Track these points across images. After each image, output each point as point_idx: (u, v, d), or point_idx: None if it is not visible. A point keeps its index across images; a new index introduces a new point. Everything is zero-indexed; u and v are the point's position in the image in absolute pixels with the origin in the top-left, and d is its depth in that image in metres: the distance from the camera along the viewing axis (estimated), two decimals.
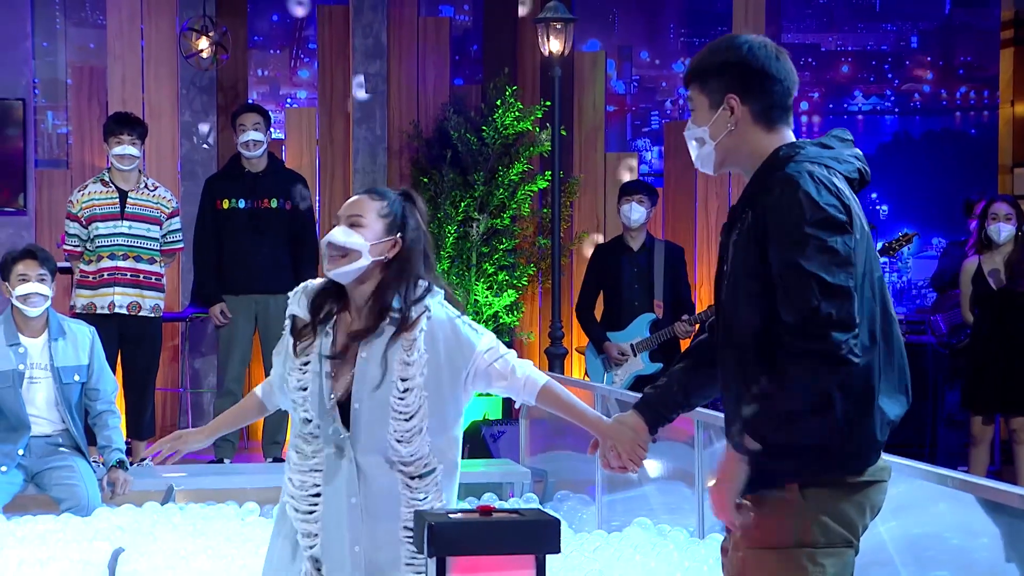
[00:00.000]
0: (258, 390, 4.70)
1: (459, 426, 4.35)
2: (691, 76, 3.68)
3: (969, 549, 5.02)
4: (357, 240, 4.24)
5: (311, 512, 4.29)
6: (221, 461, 9.42)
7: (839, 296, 3.37)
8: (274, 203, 9.47)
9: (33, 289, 7.55)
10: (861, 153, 3.70)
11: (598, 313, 9.83)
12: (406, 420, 4.19)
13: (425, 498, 4.22)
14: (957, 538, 5.10)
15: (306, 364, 4.32)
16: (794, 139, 3.63)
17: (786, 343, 3.38)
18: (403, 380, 4.19)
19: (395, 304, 4.24)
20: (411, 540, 4.15)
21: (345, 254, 4.24)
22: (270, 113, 9.78)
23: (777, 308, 3.43)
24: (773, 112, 3.61)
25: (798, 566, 3.47)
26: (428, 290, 4.29)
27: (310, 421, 4.28)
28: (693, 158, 3.74)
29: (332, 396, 4.25)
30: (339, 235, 4.24)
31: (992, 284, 8.95)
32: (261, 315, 9.46)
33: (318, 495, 4.28)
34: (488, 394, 6.92)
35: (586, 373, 9.98)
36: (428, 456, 4.23)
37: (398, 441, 4.19)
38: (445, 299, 4.33)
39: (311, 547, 4.29)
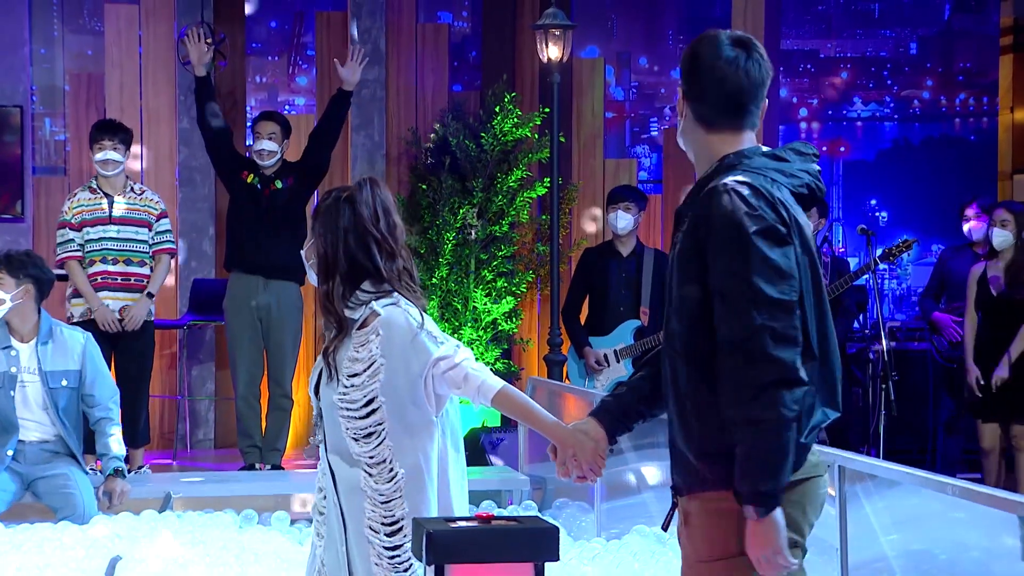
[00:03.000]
0: None
1: (430, 434, 4.35)
2: (682, 73, 3.69)
3: (969, 557, 5.01)
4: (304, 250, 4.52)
5: (322, 513, 4.43)
6: (253, 467, 9.40)
7: (782, 310, 3.37)
8: (279, 183, 9.44)
9: None
10: (817, 169, 3.67)
11: (583, 316, 9.84)
12: (356, 418, 4.29)
13: (388, 501, 4.26)
14: (957, 546, 5.09)
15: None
16: (746, 146, 3.60)
17: (730, 375, 3.38)
18: (348, 377, 4.29)
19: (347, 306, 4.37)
20: (379, 542, 4.24)
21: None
22: (289, 122, 9.74)
23: (714, 322, 3.43)
24: (715, 116, 3.59)
25: (744, 574, 3.48)
26: (385, 294, 4.35)
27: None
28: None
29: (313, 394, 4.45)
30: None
31: (992, 290, 8.96)
32: (264, 298, 9.39)
33: (326, 496, 4.42)
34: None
35: (566, 375, 9.98)
36: (391, 460, 4.28)
37: (354, 439, 4.29)
38: (409, 303, 4.36)
39: (320, 546, 4.42)
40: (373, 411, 4.26)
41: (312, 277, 4.43)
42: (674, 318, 3.56)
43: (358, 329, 4.31)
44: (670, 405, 3.62)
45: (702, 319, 3.47)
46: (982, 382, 8.86)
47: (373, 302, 4.32)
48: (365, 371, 4.27)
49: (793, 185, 3.55)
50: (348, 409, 4.28)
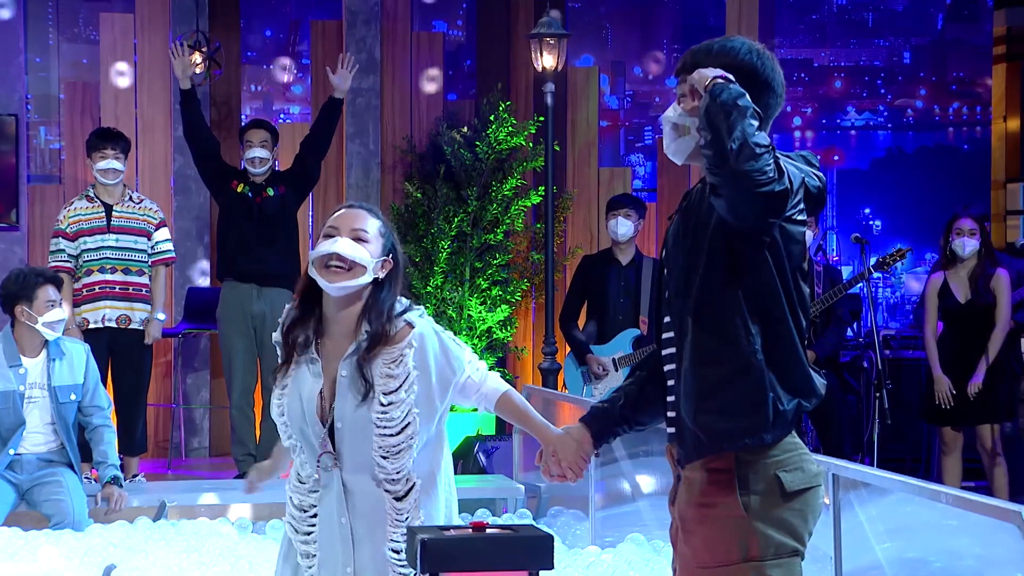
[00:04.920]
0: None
1: (440, 444, 4.32)
2: (696, 66, 3.63)
3: (963, 565, 5.01)
4: (364, 255, 4.17)
5: (309, 533, 4.29)
6: (246, 475, 9.38)
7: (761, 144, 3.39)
8: (270, 191, 9.45)
9: (60, 316, 7.72)
10: (824, 178, 3.71)
11: (581, 324, 9.84)
12: (391, 435, 4.14)
13: (407, 518, 4.17)
14: (951, 554, 5.08)
15: (283, 391, 4.29)
16: None
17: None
18: (385, 395, 4.13)
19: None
20: (398, 562, 4.14)
21: (351, 268, 4.16)
22: (277, 130, 9.79)
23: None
24: (764, 125, 3.58)
25: None
26: (409, 308, 4.26)
27: (296, 446, 4.28)
28: (666, 143, 3.72)
29: (319, 419, 4.21)
30: (348, 248, 4.15)
31: (959, 299, 9.06)
32: (258, 306, 9.39)
33: (316, 515, 4.26)
34: (475, 409, 6.89)
35: (564, 384, 9.97)
36: (410, 472, 4.19)
37: (383, 457, 4.15)
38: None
39: (309, 567, 4.29)
40: (406, 425, 4.15)
41: (354, 283, 4.16)
42: (695, 280, 3.59)
43: (388, 344, 4.17)
44: (679, 385, 3.63)
45: (723, 270, 3.53)
46: (954, 392, 8.96)
47: (407, 313, 4.22)
48: (401, 386, 4.14)
49: (810, 183, 3.59)
50: (386, 427, 4.13)
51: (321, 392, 4.21)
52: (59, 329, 7.71)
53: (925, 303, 9.26)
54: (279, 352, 4.38)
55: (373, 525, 4.19)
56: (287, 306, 4.40)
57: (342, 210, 4.29)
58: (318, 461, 4.22)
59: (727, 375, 3.53)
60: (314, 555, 4.26)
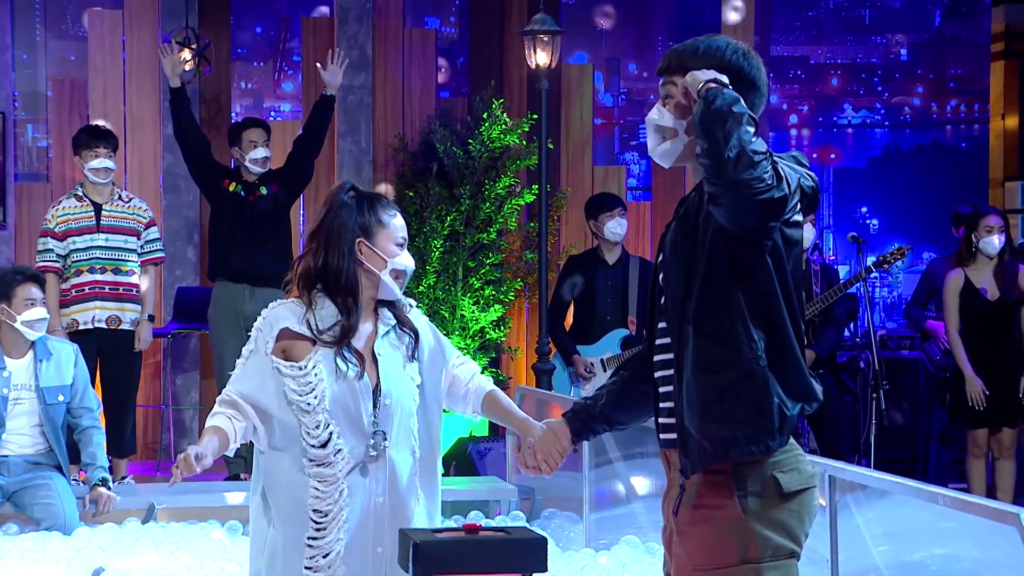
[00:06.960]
0: (221, 423, 4.60)
1: (439, 436, 4.42)
2: (683, 67, 3.61)
3: (961, 568, 4.99)
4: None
5: (327, 526, 4.20)
6: (237, 477, 9.33)
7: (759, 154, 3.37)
8: (263, 190, 9.40)
9: (41, 315, 7.62)
10: (816, 179, 3.73)
11: (568, 324, 9.81)
12: (417, 414, 4.31)
13: (423, 499, 4.28)
14: (948, 557, 5.06)
15: (317, 374, 4.22)
16: None
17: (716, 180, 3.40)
18: (418, 373, 4.34)
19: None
20: None
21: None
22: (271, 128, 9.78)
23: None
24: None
25: None
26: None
27: (334, 432, 4.20)
28: (651, 146, 3.72)
29: (368, 398, 4.24)
30: (411, 262, 4.38)
31: (988, 296, 8.93)
32: (250, 306, 9.35)
33: (348, 499, 4.22)
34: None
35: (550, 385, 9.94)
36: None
37: (416, 434, 4.29)
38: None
39: (330, 565, 4.20)
40: (422, 402, 4.34)
41: (399, 288, 4.36)
42: (695, 290, 3.56)
43: (401, 325, 4.37)
44: (681, 394, 3.60)
45: (723, 277, 3.52)
46: (987, 392, 8.83)
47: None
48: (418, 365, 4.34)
49: (804, 184, 3.58)
50: (417, 400, 4.32)
51: (359, 374, 4.25)
52: (40, 328, 7.62)
53: (946, 302, 9.11)
54: (256, 337, 4.37)
55: (409, 502, 4.26)
56: (279, 302, 4.39)
57: (399, 217, 4.40)
58: (371, 443, 4.22)
59: (730, 382, 3.52)
60: (341, 539, 4.19)
